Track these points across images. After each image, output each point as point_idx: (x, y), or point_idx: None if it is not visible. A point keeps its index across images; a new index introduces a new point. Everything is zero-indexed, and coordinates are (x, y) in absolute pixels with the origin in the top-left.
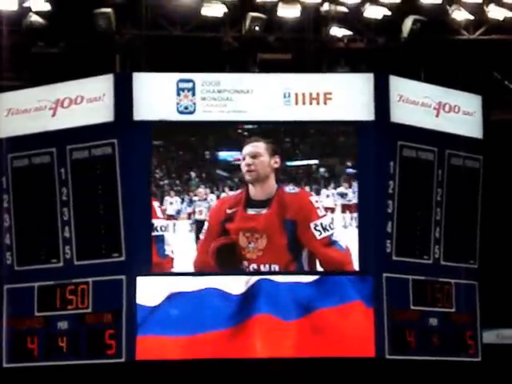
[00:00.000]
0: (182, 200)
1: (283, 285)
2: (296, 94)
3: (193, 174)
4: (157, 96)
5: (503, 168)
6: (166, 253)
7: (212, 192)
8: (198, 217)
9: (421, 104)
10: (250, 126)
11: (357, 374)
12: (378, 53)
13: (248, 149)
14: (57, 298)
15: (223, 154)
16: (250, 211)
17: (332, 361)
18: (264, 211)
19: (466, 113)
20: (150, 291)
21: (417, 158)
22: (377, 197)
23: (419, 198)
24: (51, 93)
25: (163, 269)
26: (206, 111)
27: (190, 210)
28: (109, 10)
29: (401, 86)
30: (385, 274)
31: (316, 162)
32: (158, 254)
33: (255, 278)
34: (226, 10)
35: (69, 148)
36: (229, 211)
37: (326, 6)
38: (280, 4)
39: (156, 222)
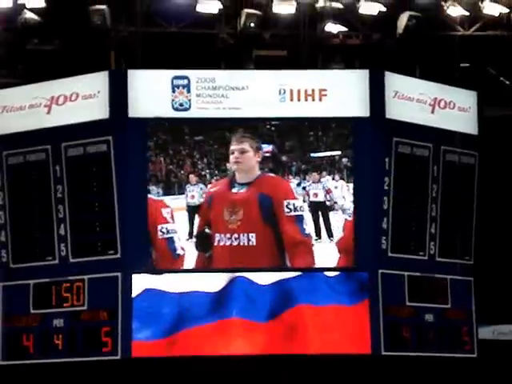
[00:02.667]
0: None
1: (266, 283)
2: (291, 91)
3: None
4: (152, 93)
5: (498, 164)
6: (178, 252)
7: None
8: None
9: (416, 100)
10: (276, 122)
11: (353, 371)
12: (374, 49)
13: (236, 146)
14: (52, 295)
15: None
16: (233, 190)
17: (328, 358)
18: (244, 189)
19: (462, 109)
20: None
21: (412, 154)
22: (372, 193)
23: (414, 194)
24: (46, 90)
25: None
26: (201, 108)
27: None
28: (104, 6)
29: (396, 83)
30: (380, 271)
31: (338, 153)
32: (172, 256)
33: (237, 275)
34: (221, 6)
35: (64, 145)
36: (211, 190)
37: (321, 3)
38: (275, 1)
39: (166, 226)
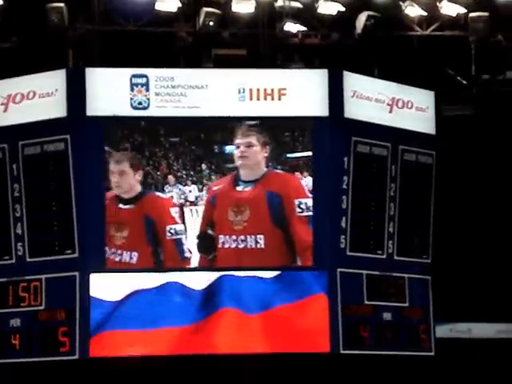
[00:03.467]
0: (201, 188)
1: (244, 280)
2: (251, 90)
3: (204, 166)
4: (110, 91)
5: (455, 163)
6: (186, 255)
7: None
8: None
9: (374, 100)
10: (251, 122)
11: (312, 370)
12: (332, 48)
13: (243, 139)
14: (9, 295)
15: (229, 148)
16: (238, 188)
17: (287, 356)
18: (250, 187)
19: (419, 108)
20: (111, 287)
21: (370, 153)
22: (331, 192)
23: (373, 194)
24: (3, 88)
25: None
26: (160, 106)
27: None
28: (61, 4)
29: (355, 82)
30: (339, 269)
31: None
32: (180, 258)
33: (216, 275)
34: (180, 4)
35: (21, 144)
36: (215, 188)
37: (280, 2)
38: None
39: (175, 227)
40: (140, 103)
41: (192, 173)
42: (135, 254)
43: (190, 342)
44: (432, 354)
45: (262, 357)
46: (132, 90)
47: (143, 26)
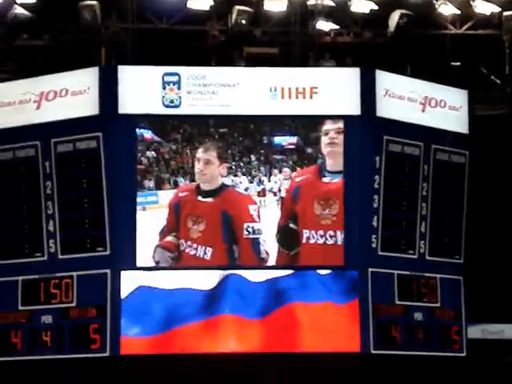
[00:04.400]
0: (251, 180)
1: (260, 281)
2: (282, 89)
3: (253, 157)
4: (142, 89)
5: (489, 163)
6: (263, 256)
7: (294, 171)
8: (284, 194)
9: (407, 99)
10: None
11: (342, 369)
12: (365, 47)
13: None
14: (41, 292)
15: (278, 139)
16: (324, 179)
17: (317, 356)
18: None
19: (452, 108)
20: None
21: (402, 152)
22: (362, 191)
23: (405, 193)
24: (36, 85)
25: None
26: (192, 105)
27: (259, 188)
28: (94, 2)
29: (387, 81)
30: (370, 269)
31: None
32: (256, 259)
33: (227, 273)
34: (212, 3)
35: (53, 141)
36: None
37: (312, 0)
38: None
39: (252, 225)
40: (172, 101)
41: (241, 164)
42: (209, 250)
43: (204, 341)
44: (464, 355)
45: (291, 357)
46: (164, 88)
47: (175, 25)
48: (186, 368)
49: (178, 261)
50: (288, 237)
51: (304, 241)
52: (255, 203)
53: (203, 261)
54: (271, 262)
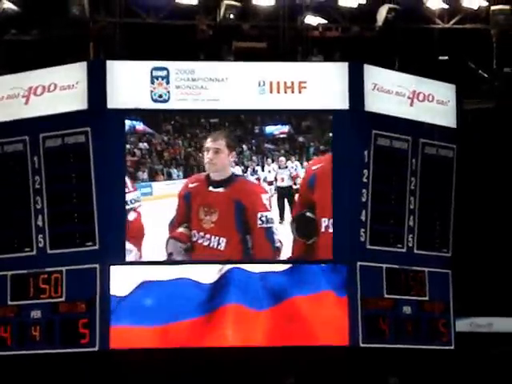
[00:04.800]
0: (244, 170)
1: (255, 274)
2: (271, 83)
3: (244, 147)
4: (131, 84)
5: (477, 157)
6: (277, 245)
7: (289, 160)
8: (280, 184)
9: (395, 93)
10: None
11: (331, 362)
12: (353, 41)
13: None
14: (30, 286)
15: (269, 128)
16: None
17: (306, 349)
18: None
19: (440, 102)
20: (123, 280)
21: (391, 146)
22: (351, 185)
23: (393, 187)
24: (24, 80)
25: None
26: (181, 99)
27: (252, 178)
28: None
29: (375, 75)
30: (359, 263)
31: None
32: (270, 248)
33: (227, 267)
34: None
35: (42, 136)
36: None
37: None
38: None
39: (266, 215)
40: (160, 96)
41: (234, 153)
42: (223, 240)
43: (205, 335)
44: (452, 347)
45: (279, 350)
46: (152, 82)
47: (164, 19)
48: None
49: (191, 252)
50: (305, 226)
51: (323, 229)
52: (267, 192)
53: (217, 251)
54: (286, 251)
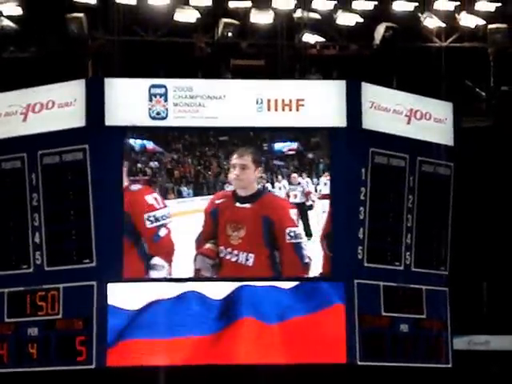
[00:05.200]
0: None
1: (260, 290)
2: (269, 101)
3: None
4: (129, 101)
5: (474, 175)
6: (306, 260)
7: (300, 176)
8: (292, 200)
9: (392, 111)
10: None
11: (328, 380)
12: (351, 60)
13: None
14: (27, 304)
15: (278, 146)
16: (237, 204)
17: (304, 367)
18: (248, 205)
19: (438, 120)
20: (130, 297)
21: (388, 164)
22: (349, 203)
23: (391, 205)
24: (22, 98)
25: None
26: (179, 117)
27: None
28: (81, 14)
29: (373, 93)
30: (356, 281)
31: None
32: (300, 264)
33: (235, 286)
34: (198, 15)
35: (40, 153)
36: (217, 201)
37: (298, 13)
38: (253, 10)
39: (294, 230)
40: (158, 113)
41: (260, 169)
42: (251, 256)
43: (208, 352)
44: (450, 366)
45: (278, 368)
46: (150, 100)
47: (162, 37)
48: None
49: (219, 268)
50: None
51: None
52: (295, 207)
53: (245, 267)
54: (315, 267)
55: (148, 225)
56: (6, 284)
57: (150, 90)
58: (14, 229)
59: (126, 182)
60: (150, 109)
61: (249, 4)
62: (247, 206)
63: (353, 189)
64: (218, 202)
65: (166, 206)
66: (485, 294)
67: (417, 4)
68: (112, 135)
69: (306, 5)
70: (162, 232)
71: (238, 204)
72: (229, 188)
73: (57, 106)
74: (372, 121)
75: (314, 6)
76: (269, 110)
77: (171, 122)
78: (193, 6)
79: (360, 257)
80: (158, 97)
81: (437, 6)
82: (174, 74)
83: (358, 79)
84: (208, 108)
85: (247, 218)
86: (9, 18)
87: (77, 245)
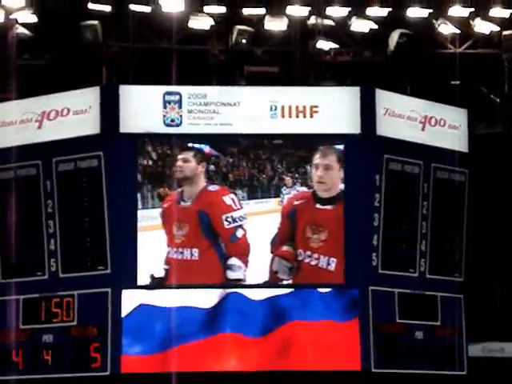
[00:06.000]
0: (309, 188)
1: (259, 299)
2: (283, 107)
3: (308, 168)
4: (143, 108)
5: (488, 181)
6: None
7: None
8: None
9: (407, 117)
10: None
11: None
12: (365, 66)
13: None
14: (42, 310)
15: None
16: (318, 205)
17: (319, 374)
18: (329, 207)
19: (452, 126)
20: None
21: (403, 171)
22: (363, 210)
23: (405, 211)
24: (37, 105)
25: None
26: (193, 124)
27: None
28: (95, 22)
29: (387, 100)
30: (370, 287)
31: None
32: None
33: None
34: (213, 22)
35: (55, 160)
36: (296, 202)
37: (312, 20)
38: (267, 17)
39: None
40: (173, 120)
41: (297, 175)
42: (333, 260)
43: (215, 358)
44: (465, 373)
45: (292, 375)
46: (165, 107)
47: (176, 44)
48: None
49: (297, 272)
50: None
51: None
52: None
53: (326, 272)
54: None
55: (226, 225)
56: (21, 291)
57: (164, 97)
58: (28, 236)
59: (203, 183)
60: (164, 116)
61: (263, 11)
62: (328, 207)
63: (367, 195)
64: (296, 203)
65: (242, 207)
66: (499, 301)
67: (431, 10)
68: (126, 142)
69: (320, 11)
70: (239, 233)
71: (318, 205)
72: (286, 191)
73: (72, 114)
74: (386, 127)
75: (328, 12)
76: (283, 116)
77: (185, 128)
78: (207, 14)
79: (374, 263)
80: (172, 104)
81: (451, 12)
82: (189, 81)
83: (372, 86)
84: (222, 115)
85: (329, 220)
86: (24, 25)
87: (91, 252)
